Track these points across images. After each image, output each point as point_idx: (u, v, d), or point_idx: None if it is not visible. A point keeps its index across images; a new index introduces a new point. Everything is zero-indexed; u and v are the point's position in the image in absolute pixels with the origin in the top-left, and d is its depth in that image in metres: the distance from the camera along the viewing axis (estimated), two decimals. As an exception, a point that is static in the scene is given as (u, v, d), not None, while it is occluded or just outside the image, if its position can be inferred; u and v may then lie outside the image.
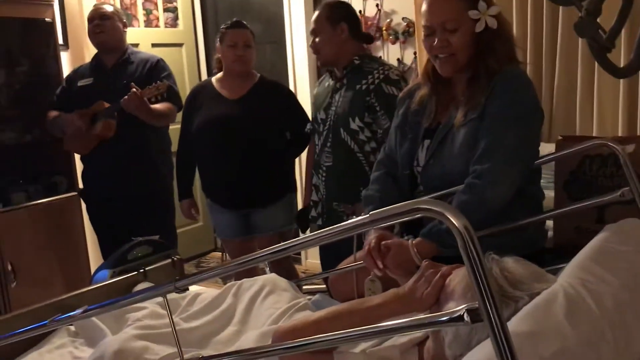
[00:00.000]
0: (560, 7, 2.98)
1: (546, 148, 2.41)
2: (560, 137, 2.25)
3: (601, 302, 1.03)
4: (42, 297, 2.17)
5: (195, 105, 2.90)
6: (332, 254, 2.28)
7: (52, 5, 3.34)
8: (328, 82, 2.63)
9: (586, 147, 1.73)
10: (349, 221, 0.92)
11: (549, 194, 2.02)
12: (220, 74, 2.91)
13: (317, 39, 2.53)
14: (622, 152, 1.54)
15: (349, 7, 2.63)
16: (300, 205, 3.09)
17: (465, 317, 0.75)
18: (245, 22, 2.88)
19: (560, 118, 3.11)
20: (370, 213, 0.85)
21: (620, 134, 2.89)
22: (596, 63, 2.89)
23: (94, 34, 3.06)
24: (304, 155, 3.05)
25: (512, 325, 0.90)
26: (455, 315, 0.77)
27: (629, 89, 2.86)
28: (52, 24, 3.32)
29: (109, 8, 3.10)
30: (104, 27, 3.02)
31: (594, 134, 2.97)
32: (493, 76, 1.65)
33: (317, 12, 2.57)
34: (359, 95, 2.42)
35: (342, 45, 2.50)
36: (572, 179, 2.01)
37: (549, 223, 2.03)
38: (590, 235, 1.43)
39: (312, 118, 2.73)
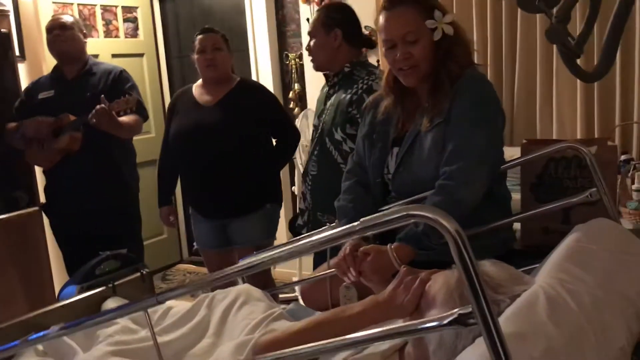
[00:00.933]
0: (519, 13, 3.06)
1: (509, 151, 2.46)
2: (525, 141, 2.30)
3: (580, 300, 1.06)
4: (4, 316, 2.10)
5: (174, 112, 2.87)
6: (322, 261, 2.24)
7: (7, 16, 3.26)
8: (325, 87, 2.58)
9: (555, 149, 1.78)
10: (339, 229, 0.92)
11: (515, 196, 2.07)
12: (200, 81, 2.87)
13: (311, 42, 2.48)
14: (589, 154, 1.59)
15: (345, 11, 2.54)
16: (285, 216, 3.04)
17: (459, 320, 0.76)
18: (213, 27, 2.84)
19: (521, 121, 3.19)
20: (361, 220, 0.86)
21: (579, 137, 2.97)
22: (554, 68, 3.00)
23: (53, 44, 2.98)
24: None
25: (499, 327, 0.91)
26: (448, 319, 0.77)
27: (586, 93, 2.95)
28: (9, 35, 3.23)
29: (68, 18, 3.04)
30: (64, 37, 2.95)
31: (554, 137, 3.06)
32: (455, 80, 1.69)
33: (314, 16, 2.52)
34: (342, 105, 2.37)
35: (336, 51, 2.44)
36: (538, 181, 2.06)
37: (516, 225, 2.08)
38: (557, 235, 1.47)
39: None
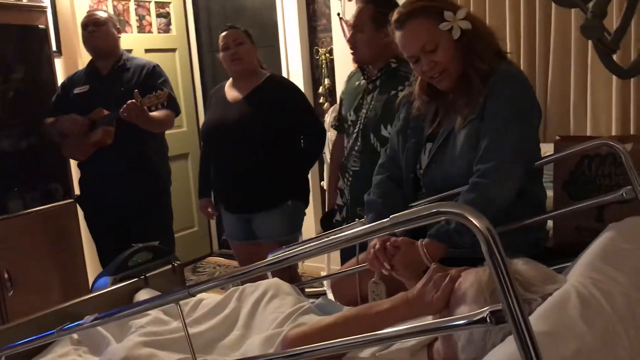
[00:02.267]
0: (553, 7, 3.01)
1: (543, 148, 2.42)
2: (558, 137, 2.26)
3: (613, 301, 1.04)
4: (39, 306, 2.16)
5: (208, 107, 2.95)
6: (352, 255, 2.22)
7: (45, 12, 3.32)
8: (359, 80, 2.50)
9: (589, 146, 1.75)
10: (368, 225, 0.92)
11: (548, 193, 2.04)
12: (231, 79, 2.90)
13: (356, 36, 2.38)
14: (624, 152, 1.56)
15: (395, 7, 2.50)
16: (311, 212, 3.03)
17: (489, 319, 0.75)
18: (234, 24, 2.86)
19: (555, 118, 3.13)
20: (391, 216, 0.86)
21: (614, 133, 2.91)
22: (589, 63, 2.94)
23: (88, 40, 3.04)
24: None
25: (529, 325, 0.90)
26: (478, 317, 0.77)
27: (622, 88, 2.88)
28: (46, 31, 3.30)
29: (102, 14, 3.09)
30: (99, 33, 3.01)
31: (588, 134, 3.00)
32: (485, 75, 1.67)
33: (360, 6, 2.40)
34: (393, 101, 2.25)
35: (383, 48, 2.34)
36: (572, 178, 2.02)
37: (549, 223, 2.05)
38: (589, 234, 1.45)
39: (340, 115, 2.60)
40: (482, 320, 0.76)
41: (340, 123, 2.63)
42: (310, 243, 1.48)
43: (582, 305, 0.99)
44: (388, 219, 0.86)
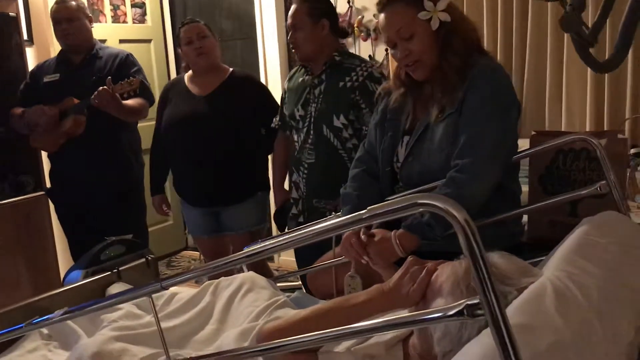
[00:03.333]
0: (530, 3, 3.03)
1: (519, 143, 2.44)
2: (534, 132, 2.28)
3: (588, 293, 1.05)
4: (9, 300, 2.11)
5: (165, 101, 2.89)
6: (310, 249, 2.24)
7: (15, 0, 3.24)
8: (302, 77, 2.57)
9: (565, 141, 1.76)
10: (345, 217, 0.91)
11: (524, 188, 2.05)
12: (190, 72, 2.88)
13: (296, 34, 2.47)
14: (599, 147, 1.57)
15: (329, 1, 2.58)
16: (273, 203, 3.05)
17: (466, 312, 0.75)
18: (194, 18, 2.85)
19: (531, 113, 3.16)
20: (368, 208, 0.84)
21: (588, 129, 2.95)
22: (564, 59, 2.97)
23: (61, 37, 2.97)
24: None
25: (505, 318, 0.90)
26: (455, 310, 0.76)
27: (597, 85, 2.92)
28: (17, 19, 3.22)
29: (72, 5, 2.98)
30: (72, 29, 2.93)
31: (563, 129, 3.03)
32: (461, 69, 1.67)
33: (295, 6, 2.48)
34: (343, 92, 2.39)
35: (323, 42, 2.45)
36: (547, 173, 2.04)
37: (524, 217, 2.07)
38: (563, 228, 1.46)
39: (283, 114, 2.66)
40: (459, 313, 0.76)
41: (283, 122, 2.67)
42: (285, 236, 1.46)
43: (558, 298, 0.99)
44: (365, 210, 0.84)
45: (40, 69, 3.07)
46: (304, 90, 2.52)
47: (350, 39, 3.65)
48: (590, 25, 1.13)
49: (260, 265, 2.82)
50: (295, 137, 2.60)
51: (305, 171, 2.52)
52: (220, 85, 2.79)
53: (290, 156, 2.68)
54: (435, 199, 0.74)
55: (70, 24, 2.93)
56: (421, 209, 0.77)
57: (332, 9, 2.56)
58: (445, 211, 0.73)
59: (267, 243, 1.07)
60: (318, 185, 2.49)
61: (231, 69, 2.87)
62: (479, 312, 0.73)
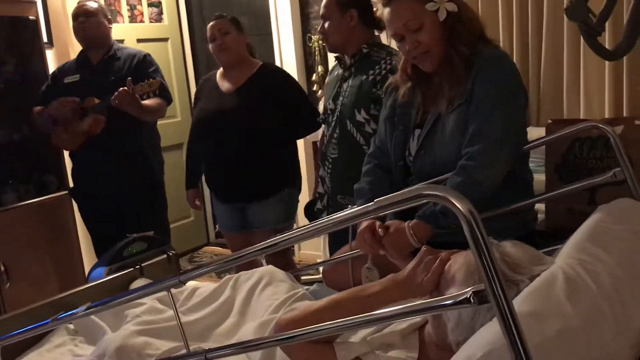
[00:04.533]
0: (545, -8, 3.00)
1: (535, 132, 2.43)
2: (549, 121, 2.27)
3: (599, 281, 1.05)
4: (36, 297, 2.17)
5: (198, 97, 2.93)
6: (338, 243, 2.25)
7: (35, 3, 3.31)
8: (337, 70, 2.55)
9: (578, 129, 1.75)
10: (352, 209, 0.93)
11: (540, 177, 2.05)
12: (222, 68, 2.90)
13: (326, 25, 2.44)
14: (613, 134, 1.57)
15: None
16: (305, 200, 3.03)
17: (472, 299, 0.76)
18: (221, 14, 2.84)
19: (548, 101, 3.13)
20: (375, 200, 0.86)
21: (607, 116, 2.92)
22: (582, 46, 2.93)
23: (78, 31, 3.03)
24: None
25: (515, 306, 0.91)
26: (462, 297, 0.78)
27: (615, 71, 2.88)
28: (36, 22, 3.29)
29: (92, 4, 3.06)
30: (89, 23, 2.99)
31: (582, 117, 3.00)
32: (467, 59, 1.67)
33: None
34: (365, 86, 2.34)
35: (351, 32, 2.40)
36: (563, 161, 2.03)
37: (540, 206, 2.06)
38: (582, 216, 1.45)
39: (325, 108, 2.62)
40: (466, 301, 0.77)
41: (326, 116, 2.65)
42: (299, 229, 1.49)
43: (569, 285, 1.00)
44: (372, 202, 0.86)
45: (61, 70, 3.13)
46: (336, 84, 2.50)
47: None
48: (597, 14, 1.13)
49: (284, 261, 2.79)
50: (325, 131, 2.58)
51: (330, 166, 2.50)
52: (247, 80, 2.78)
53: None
54: (439, 189, 0.76)
55: (88, 18, 3.00)
56: (425, 200, 0.79)
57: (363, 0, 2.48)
58: (448, 201, 0.74)
59: (280, 236, 1.09)
60: (342, 180, 2.46)
61: (261, 63, 2.85)
62: (485, 299, 0.74)
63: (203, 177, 3.06)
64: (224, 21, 2.78)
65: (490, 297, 0.72)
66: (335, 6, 2.41)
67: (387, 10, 1.74)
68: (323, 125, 2.69)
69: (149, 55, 3.11)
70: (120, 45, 3.22)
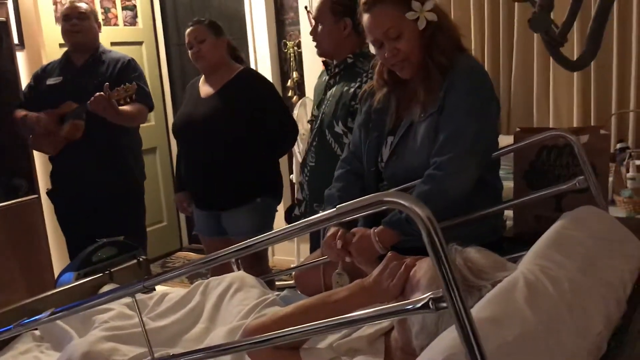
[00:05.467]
0: (516, 3, 3.06)
1: (505, 140, 2.46)
2: (518, 129, 2.31)
3: (559, 286, 1.07)
4: (3, 303, 2.13)
5: (182, 102, 2.93)
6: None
7: (5, 4, 3.26)
8: (325, 75, 2.51)
9: (543, 138, 1.79)
10: (315, 215, 0.93)
11: (508, 184, 2.08)
12: None
13: (317, 29, 2.39)
14: (576, 143, 1.60)
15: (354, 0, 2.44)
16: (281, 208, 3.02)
17: (431, 304, 0.78)
18: (199, 19, 2.81)
19: (518, 111, 3.19)
20: (337, 206, 0.87)
21: (575, 125, 2.98)
22: (551, 57, 2.99)
23: (70, 34, 2.99)
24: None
25: (475, 311, 0.93)
26: (421, 303, 0.79)
27: (583, 81, 2.95)
28: (7, 23, 3.24)
29: (84, 6, 3.02)
30: (82, 27, 2.96)
31: (551, 126, 3.06)
32: (444, 69, 1.69)
33: (320, 0, 2.40)
34: (345, 97, 2.31)
35: (343, 40, 2.35)
36: (531, 169, 2.07)
37: (509, 212, 2.10)
38: (549, 223, 1.48)
39: (311, 113, 2.61)
40: (425, 306, 0.78)
41: (310, 121, 2.64)
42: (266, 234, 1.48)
43: (529, 290, 1.02)
44: (334, 208, 0.87)
45: (44, 71, 3.09)
46: (321, 91, 2.48)
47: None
48: (559, 25, 1.16)
49: (260, 267, 2.75)
50: (309, 138, 2.55)
51: (308, 174, 2.48)
52: (225, 85, 2.74)
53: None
54: (399, 196, 0.77)
55: (82, 21, 2.97)
56: (385, 207, 0.80)
57: (357, 8, 2.49)
58: (408, 208, 0.76)
59: (247, 240, 1.09)
60: (318, 188, 2.37)
61: (241, 68, 2.80)
62: (443, 304, 0.75)
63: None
64: (201, 27, 2.74)
65: (448, 303, 0.73)
66: (329, 12, 2.36)
67: (366, 17, 1.75)
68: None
69: (133, 60, 3.09)
70: (107, 48, 3.19)
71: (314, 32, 2.42)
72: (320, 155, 2.41)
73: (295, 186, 3.15)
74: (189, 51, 2.78)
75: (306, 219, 0.94)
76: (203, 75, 2.86)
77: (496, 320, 0.90)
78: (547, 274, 1.10)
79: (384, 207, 0.80)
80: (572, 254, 1.21)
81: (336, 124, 2.32)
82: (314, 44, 2.46)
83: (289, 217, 2.72)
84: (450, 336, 0.86)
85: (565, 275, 1.12)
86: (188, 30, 2.77)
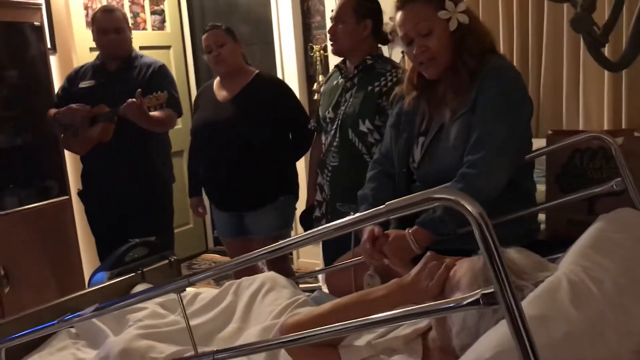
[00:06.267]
0: (545, 3, 3.04)
1: (535, 142, 2.44)
2: (550, 132, 2.29)
3: (602, 287, 1.07)
4: (35, 302, 2.17)
5: (197, 106, 2.96)
6: (336, 252, 2.26)
7: (40, 9, 3.33)
8: (337, 80, 2.56)
9: (579, 139, 1.78)
10: (364, 212, 0.94)
11: (540, 187, 2.07)
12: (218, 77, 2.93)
13: (337, 26, 2.42)
14: (614, 145, 1.59)
15: (377, 3, 2.51)
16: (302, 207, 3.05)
17: (481, 301, 0.78)
18: (215, 24, 2.86)
19: (548, 113, 3.17)
20: (387, 203, 0.88)
21: (605, 128, 2.95)
22: (581, 58, 2.97)
23: (108, 47, 3.01)
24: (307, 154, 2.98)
25: (521, 309, 0.93)
26: (472, 299, 0.79)
27: (614, 83, 2.92)
28: (41, 28, 3.31)
29: (119, 15, 3.04)
30: (119, 40, 3.00)
31: (581, 128, 3.03)
32: (472, 72, 1.70)
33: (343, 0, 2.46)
34: (370, 96, 2.36)
35: (362, 41, 2.41)
36: (563, 172, 2.05)
37: (541, 216, 2.08)
38: (581, 227, 1.47)
39: (318, 116, 2.65)
40: (475, 302, 0.79)
41: (318, 123, 2.67)
42: (304, 234, 1.50)
43: (572, 290, 1.02)
44: (384, 205, 0.88)
45: (77, 73, 3.13)
46: (337, 93, 2.51)
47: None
48: (601, 25, 1.15)
49: (282, 268, 2.77)
50: (323, 139, 2.58)
51: (329, 174, 2.51)
52: (243, 89, 2.80)
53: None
54: (451, 193, 0.78)
55: (119, 34, 2.99)
56: (437, 203, 0.81)
57: (379, 12, 2.50)
58: (459, 205, 0.76)
59: (288, 239, 1.11)
60: (341, 188, 2.47)
61: (256, 72, 2.87)
62: (494, 300, 0.76)
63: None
64: (219, 32, 2.80)
65: (500, 299, 0.74)
66: (352, 12, 2.40)
67: (399, 13, 1.76)
68: (320, 135, 2.69)
69: (164, 66, 3.12)
70: (139, 53, 3.22)
71: (333, 30, 2.46)
72: (343, 155, 2.45)
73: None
74: (207, 55, 2.82)
75: (354, 216, 0.95)
76: (216, 80, 2.91)
77: (542, 319, 0.90)
78: (590, 274, 1.10)
79: (435, 204, 0.80)
80: (612, 256, 1.20)
81: (362, 122, 2.37)
82: (330, 42, 2.51)
83: (306, 220, 2.77)
84: (497, 334, 0.87)
85: (607, 276, 1.12)
86: (206, 35, 2.82)
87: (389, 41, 2.82)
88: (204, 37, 2.83)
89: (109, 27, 2.98)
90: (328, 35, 2.54)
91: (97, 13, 3.07)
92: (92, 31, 3.06)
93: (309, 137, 2.87)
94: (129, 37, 3.07)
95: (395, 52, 3.65)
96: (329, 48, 3.74)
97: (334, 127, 2.48)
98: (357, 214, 0.96)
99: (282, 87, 2.92)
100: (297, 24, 4.03)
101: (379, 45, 2.56)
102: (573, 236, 1.43)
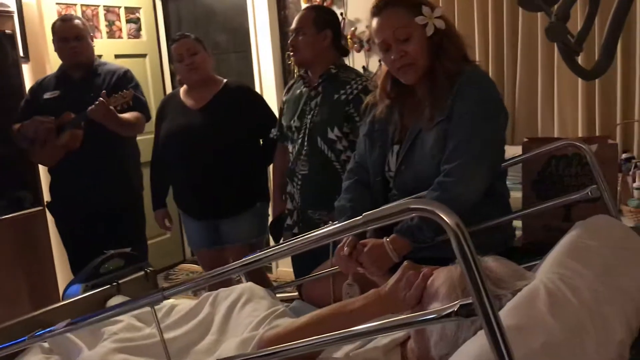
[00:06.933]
0: (520, 12, 3.08)
1: (511, 150, 2.47)
2: (526, 139, 2.32)
3: (580, 295, 1.07)
4: (7, 316, 2.11)
5: (162, 116, 2.92)
6: (307, 260, 2.26)
7: (12, 17, 3.28)
8: (300, 89, 2.59)
9: (555, 147, 1.79)
10: (341, 223, 0.93)
11: (516, 194, 2.08)
12: (185, 86, 2.91)
13: (298, 38, 2.49)
14: (589, 152, 1.60)
15: (335, 15, 2.63)
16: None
17: (460, 312, 0.77)
18: (185, 33, 2.87)
19: (523, 120, 3.20)
20: (364, 214, 0.87)
21: (580, 135, 2.99)
22: (555, 67, 3.01)
23: (68, 55, 2.99)
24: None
25: (499, 319, 0.92)
26: (449, 311, 0.79)
27: (587, 91, 2.96)
28: (13, 36, 3.26)
29: (79, 23, 3.02)
30: (80, 47, 2.97)
31: (555, 135, 3.07)
32: (452, 76, 1.70)
33: (303, 12, 2.56)
34: (337, 104, 2.41)
35: (322, 52, 2.48)
36: (540, 179, 2.07)
37: (517, 223, 2.09)
38: (558, 233, 1.48)
39: (281, 125, 2.68)
40: (453, 314, 0.78)
41: (281, 133, 2.69)
42: (283, 244, 1.49)
43: (550, 299, 1.02)
44: (361, 216, 0.87)
45: (40, 85, 3.09)
46: (301, 102, 2.54)
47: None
48: (575, 34, 1.16)
49: (260, 277, 2.80)
50: (290, 148, 2.61)
51: (299, 182, 2.53)
52: (214, 97, 2.81)
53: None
54: (428, 203, 0.77)
55: (79, 42, 2.97)
56: (413, 214, 0.80)
57: (338, 23, 2.59)
58: (436, 215, 0.75)
59: (265, 251, 1.09)
60: (312, 196, 2.50)
61: (225, 80, 2.89)
62: (472, 312, 0.75)
63: (171, 196, 3.04)
64: (191, 41, 2.80)
65: (478, 310, 0.73)
66: (311, 23, 2.48)
67: (376, 20, 1.76)
68: (283, 145, 2.72)
69: (129, 71, 3.10)
70: (101, 61, 3.21)
71: (293, 42, 2.52)
72: (313, 163, 2.48)
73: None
74: (177, 64, 2.82)
75: (330, 227, 0.94)
76: (182, 89, 2.90)
77: (521, 329, 0.90)
78: (567, 282, 1.10)
79: (412, 215, 0.80)
80: (589, 263, 1.21)
81: (330, 130, 2.42)
82: (291, 54, 2.58)
83: (276, 230, 2.79)
84: (475, 345, 0.86)
85: (585, 284, 1.12)
86: (176, 44, 2.82)
87: (348, 53, 2.91)
88: (174, 46, 2.82)
89: (69, 35, 2.96)
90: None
91: (57, 22, 3.05)
92: (53, 41, 3.03)
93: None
94: (91, 45, 3.04)
95: (372, 61, 3.67)
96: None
97: (301, 135, 2.52)
98: (335, 225, 0.94)
99: (252, 94, 2.97)
100: (274, 32, 4.03)
101: (341, 56, 2.62)
102: (550, 242, 1.44)
